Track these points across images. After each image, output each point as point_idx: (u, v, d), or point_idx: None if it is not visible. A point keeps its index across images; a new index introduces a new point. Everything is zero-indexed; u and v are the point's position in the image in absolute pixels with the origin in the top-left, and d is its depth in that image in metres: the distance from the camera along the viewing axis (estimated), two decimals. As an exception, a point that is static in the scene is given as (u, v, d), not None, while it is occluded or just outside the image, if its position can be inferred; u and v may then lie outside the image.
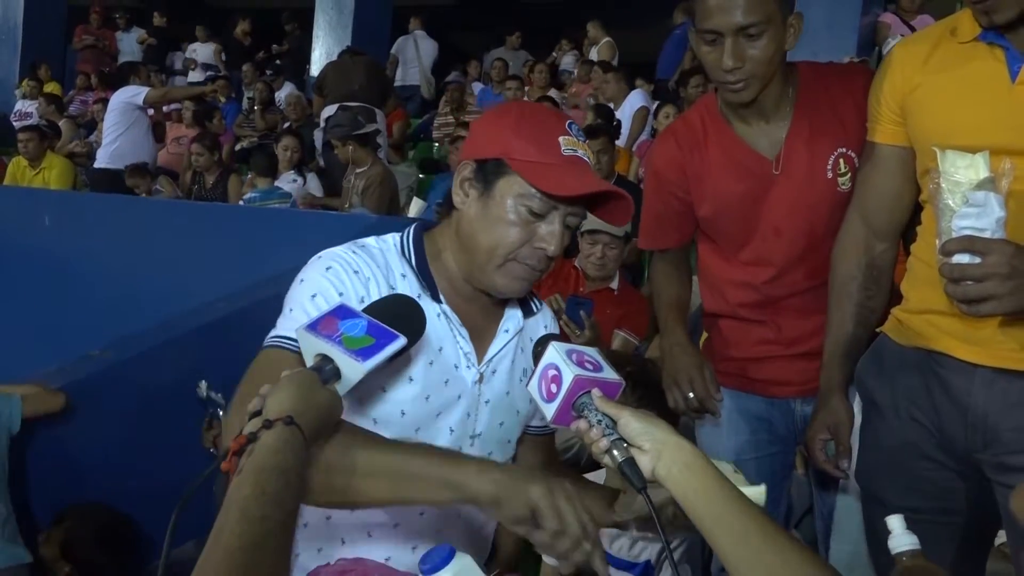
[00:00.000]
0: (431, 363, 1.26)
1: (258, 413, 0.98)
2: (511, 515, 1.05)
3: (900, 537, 0.98)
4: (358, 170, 5.37)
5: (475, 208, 1.25)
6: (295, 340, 1.17)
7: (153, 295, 4.04)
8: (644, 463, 1.02)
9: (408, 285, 1.28)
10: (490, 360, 1.33)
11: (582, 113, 6.66)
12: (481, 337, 1.32)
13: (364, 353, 1.03)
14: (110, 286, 4.30)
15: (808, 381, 1.78)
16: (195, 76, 9.68)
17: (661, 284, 1.95)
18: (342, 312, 1.07)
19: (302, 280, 1.25)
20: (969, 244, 1.23)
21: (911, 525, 1.00)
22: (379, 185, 5.26)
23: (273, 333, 1.23)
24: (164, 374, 3.08)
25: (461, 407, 1.30)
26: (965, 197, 1.23)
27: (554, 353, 1.09)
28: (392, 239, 1.33)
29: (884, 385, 1.54)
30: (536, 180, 1.20)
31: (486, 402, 1.33)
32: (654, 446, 1.02)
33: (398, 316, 1.10)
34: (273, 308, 1.29)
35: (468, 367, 1.30)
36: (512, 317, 1.36)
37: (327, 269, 1.24)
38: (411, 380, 1.25)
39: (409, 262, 1.30)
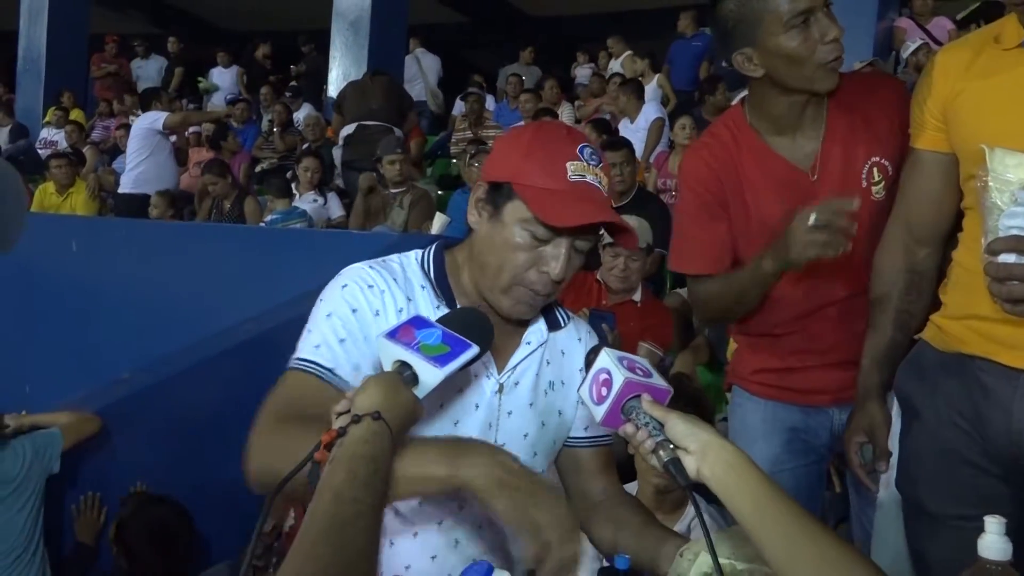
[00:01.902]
0: None
1: (344, 414, 1.05)
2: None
3: (992, 542, 0.93)
4: (397, 189, 5.43)
5: (486, 229, 1.27)
6: (316, 363, 1.24)
7: (181, 318, 4.09)
8: (689, 463, 1.05)
9: (426, 296, 1.31)
10: (512, 370, 1.34)
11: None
12: (502, 348, 1.33)
13: (441, 360, 1.09)
14: (138, 310, 4.35)
15: (845, 389, 1.77)
16: (217, 101, 9.79)
17: (715, 293, 1.82)
18: (417, 322, 1.13)
19: (321, 299, 1.30)
20: (1016, 243, 1.21)
21: (954, 531, 0.96)
22: (428, 200, 5.49)
23: (296, 355, 1.28)
24: (194, 396, 3.11)
25: (480, 417, 1.31)
26: (1014, 196, 1.21)
27: (606, 358, 1.13)
28: (414, 254, 1.36)
29: (924, 391, 1.53)
30: (537, 209, 1.20)
31: (508, 413, 1.33)
32: (699, 447, 1.05)
33: (468, 327, 1.14)
34: (298, 328, 1.33)
35: (487, 377, 1.32)
36: (535, 331, 1.37)
37: (343, 287, 1.29)
38: None
39: (428, 275, 1.33)
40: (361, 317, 1.26)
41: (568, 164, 1.21)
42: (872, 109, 1.71)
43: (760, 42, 1.62)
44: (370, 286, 1.28)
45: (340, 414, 1.05)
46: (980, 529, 0.94)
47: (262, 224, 5.58)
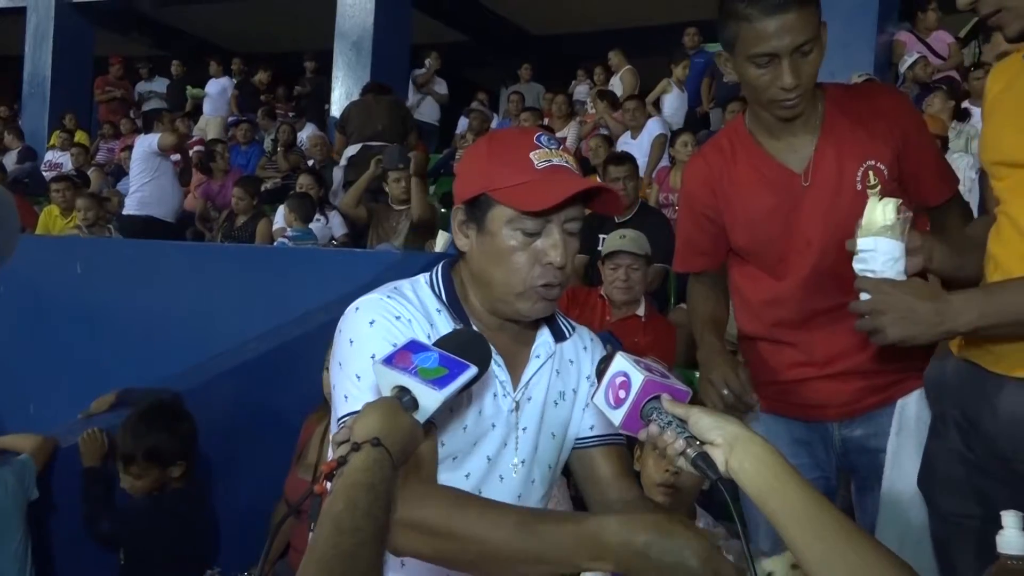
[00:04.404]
0: (468, 393, 1.27)
1: (345, 441, 1.03)
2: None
3: (1011, 537, 0.92)
4: (403, 207, 5.43)
5: (477, 247, 1.27)
6: None
7: (186, 337, 4.09)
8: (717, 457, 1.02)
9: (443, 319, 1.30)
10: (525, 386, 1.34)
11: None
12: (514, 364, 1.33)
13: (440, 382, 1.08)
14: (143, 330, 4.36)
15: (845, 403, 1.78)
16: (209, 111, 9.81)
17: (697, 303, 1.97)
18: (414, 346, 1.12)
19: (352, 341, 1.24)
20: (861, 283, 1.41)
21: (963, 530, 0.94)
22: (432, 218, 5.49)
23: (348, 409, 1.21)
24: (200, 415, 3.10)
25: (497, 435, 1.31)
26: (857, 243, 1.43)
27: (622, 361, 1.12)
28: (423, 278, 1.35)
29: (943, 395, 1.56)
30: (517, 202, 1.21)
31: (523, 429, 1.33)
32: (726, 440, 1.02)
33: (465, 348, 1.13)
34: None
35: (504, 396, 1.31)
36: (543, 343, 1.36)
37: (371, 324, 1.24)
38: (451, 410, 1.26)
39: (440, 298, 1.32)
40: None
41: (531, 154, 1.23)
42: (871, 116, 1.74)
43: (734, 55, 1.68)
44: (397, 317, 1.25)
45: (340, 443, 1.03)
46: (984, 527, 0.93)
47: (283, 240, 5.57)
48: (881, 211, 1.42)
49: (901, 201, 1.44)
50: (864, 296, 1.40)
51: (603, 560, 1.01)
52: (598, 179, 5.95)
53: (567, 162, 1.25)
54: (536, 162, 1.23)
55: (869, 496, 1.80)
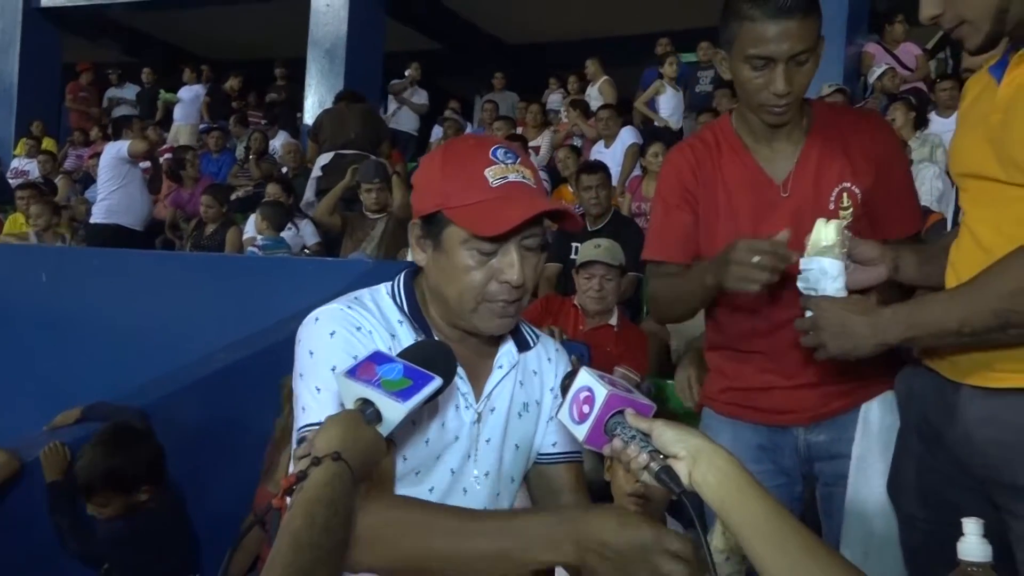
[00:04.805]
0: (431, 406, 1.25)
1: (306, 455, 1.02)
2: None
3: (971, 545, 0.93)
4: (378, 215, 5.39)
5: (433, 264, 1.25)
6: None
7: (154, 347, 4.04)
8: (680, 469, 1.01)
9: (405, 330, 1.29)
10: (488, 397, 1.32)
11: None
12: (476, 375, 1.31)
13: (403, 394, 1.06)
14: (109, 341, 4.30)
15: (811, 409, 1.78)
16: (179, 117, 9.74)
17: (664, 288, 1.88)
18: (378, 358, 1.10)
19: (312, 353, 1.22)
20: (804, 302, 1.49)
21: (927, 537, 0.95)
22: (404, 227, 5.40)
23: (306, 420, 1.19)
24: (167, 426, 3.07)
25: (460, 448, 1.29)
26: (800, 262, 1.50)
27: (586, 376, 1.11)
28: (384, 288, 1.33)
29: (910, 402, 1.58)
30: (470, 225, 1.19)
31: (487, 441, 1.32)
32: (689, 453, 1.02)
33: (430, 359, 1.12)
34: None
35: (466, 407, 1.30)
36: (506, 353, 1.34)
37: (331, 335, 1.22)
38: (413, 423, 1.24)
39: (402, 308, 1.30)
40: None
41: (486, 172, 1.20)
42: (853, 138, 1.76)
43: (731, 54, 1.69)
44: (358, 328, 1.23)
45: (301, 457, 1.02)
46: (948, 531, 0.95)
47: (253, 249, 5.51)
48: (824, 232, 1.49)
49: (845, 223, 1.51)
50: (808, 313, 1.46)
51: (568, 554, 1.02)
52: (570, 188, 5.98)
53: (524, 177, 1.22)
54: (491, 180, 1.19)
55: (834, 501, 1.80)
